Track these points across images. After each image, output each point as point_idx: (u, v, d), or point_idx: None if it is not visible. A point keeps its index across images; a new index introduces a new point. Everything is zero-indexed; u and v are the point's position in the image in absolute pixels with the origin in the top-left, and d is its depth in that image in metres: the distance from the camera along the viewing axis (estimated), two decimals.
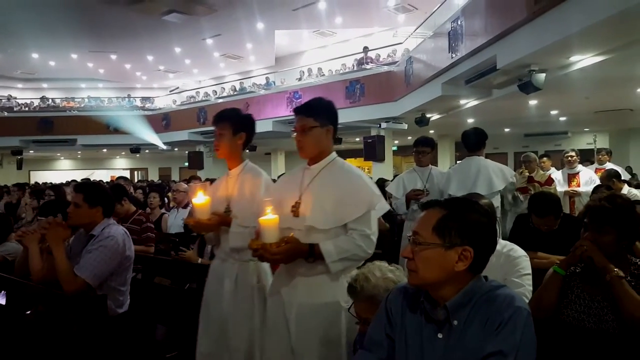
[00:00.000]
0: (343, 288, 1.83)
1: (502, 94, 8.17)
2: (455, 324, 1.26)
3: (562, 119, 11.89)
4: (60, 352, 2.43)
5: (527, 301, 2.05)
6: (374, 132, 12.86)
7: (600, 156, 7.14)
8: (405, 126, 12.31)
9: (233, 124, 2.38)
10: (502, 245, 2.29)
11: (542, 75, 6.38)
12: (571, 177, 6.11)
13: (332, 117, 2.09)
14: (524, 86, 6.58)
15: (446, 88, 8.44)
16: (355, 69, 13.64)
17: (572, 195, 5.92)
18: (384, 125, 12.07)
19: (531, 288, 2.14)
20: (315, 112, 2.04)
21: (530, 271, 2.21)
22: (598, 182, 5.71)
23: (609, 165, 6.78)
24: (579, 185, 6.00)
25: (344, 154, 23.99)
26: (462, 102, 9.51)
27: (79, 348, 2.28)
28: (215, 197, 2.37)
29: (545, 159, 7.01)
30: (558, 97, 8.66)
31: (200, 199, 2.23)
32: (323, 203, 1.96)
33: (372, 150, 12.69)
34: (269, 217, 1.87)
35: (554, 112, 10.92)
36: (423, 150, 4.25)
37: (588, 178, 5.98)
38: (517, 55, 5.99)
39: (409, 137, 16.01)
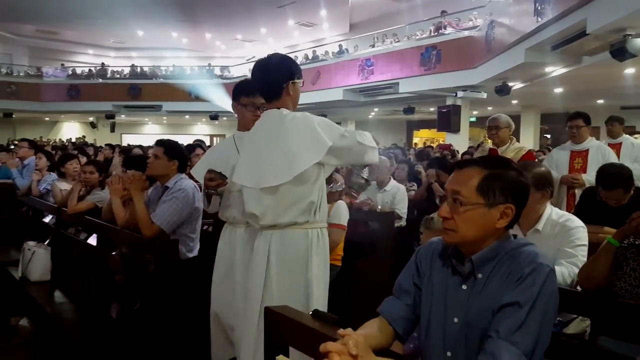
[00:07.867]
0: None
1: (593, 61, 7.63)
2: (480, 277, 1.32)
3: None
4: (138, 287, 2.77)
5: (578, 271, 2.00)
6: (449, 102, 12.43)
7: (610, 126, 5.05)
8: (485, 95, 11.74)
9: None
10: (559, 215, 2.22)
11: (639, 41, 5.87)
12: (574, 156, 3.99)
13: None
14: (617, 52, 6.10)
15: (530, 54, 7.96)
16: (432, 34, 13.16)
17: (572, 185, 3.82)
18: (460, 94, 11.63)
19: (585, 259, 2.07)
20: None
21: (586, 242, 2.13)
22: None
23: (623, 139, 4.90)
24: (584, 170, 3.88)
25: (418, 125, 22.99)
26: (548, 69, 8.95)
27: (154, 285, 2.55)
28: None
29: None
30: None
31: None
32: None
33: (447, 121, 12.30)
34: None
35: None
36: (254, 102, 2.41)
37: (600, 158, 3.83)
38: (610, 19, 5.56)
39: (489, 108, 15.25)
